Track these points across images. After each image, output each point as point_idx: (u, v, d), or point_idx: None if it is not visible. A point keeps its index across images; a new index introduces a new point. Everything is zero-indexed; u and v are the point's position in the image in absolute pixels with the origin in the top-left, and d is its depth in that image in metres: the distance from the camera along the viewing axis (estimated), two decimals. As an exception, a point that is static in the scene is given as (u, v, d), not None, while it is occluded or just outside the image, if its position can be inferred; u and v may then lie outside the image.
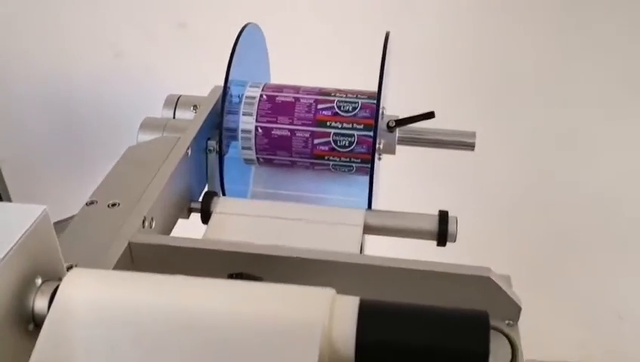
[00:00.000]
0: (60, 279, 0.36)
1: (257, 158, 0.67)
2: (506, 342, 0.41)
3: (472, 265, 0.46)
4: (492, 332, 0.33)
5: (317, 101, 0.65)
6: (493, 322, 0.33)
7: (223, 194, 0.67)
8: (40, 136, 1.22)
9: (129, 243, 0.48)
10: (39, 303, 0.35)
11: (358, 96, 0.66)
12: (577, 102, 1.12)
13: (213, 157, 0.66)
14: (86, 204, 0.52)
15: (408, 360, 0.33)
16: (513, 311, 0.47)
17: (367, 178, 0.65)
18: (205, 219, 0.61)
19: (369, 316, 0.33)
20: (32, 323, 0.36)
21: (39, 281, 0.36)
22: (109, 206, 0.52)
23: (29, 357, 0.33)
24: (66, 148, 1.22)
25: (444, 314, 0.33)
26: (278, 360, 0.32)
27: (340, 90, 0.66)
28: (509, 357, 0.34)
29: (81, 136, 1.21)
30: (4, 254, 0.33)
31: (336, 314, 0.33)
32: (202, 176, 0.66)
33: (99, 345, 0.33)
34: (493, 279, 0.45)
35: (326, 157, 0.66)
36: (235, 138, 0.67)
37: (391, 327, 0.33)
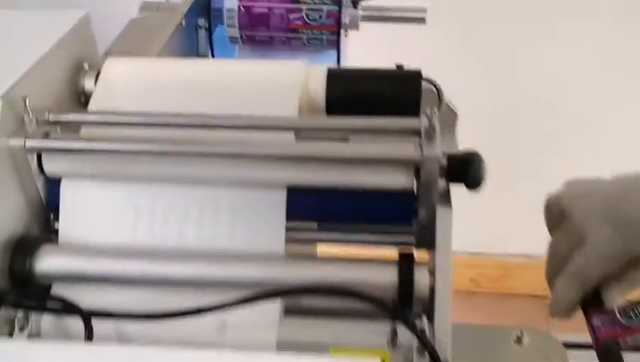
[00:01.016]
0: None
1: (241, 35, 0.79)
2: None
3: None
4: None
5: (290, -18, 0.77)
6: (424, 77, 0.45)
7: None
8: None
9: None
10: (88, 82, 0.47)
11: (326, -23, 0.77)
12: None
13: (202, 35, 0.77)
14: (104, 53, 0.63)
15: (364, 105, 0.45)
16: (450, 118, 0.59)
17: (335, 52, 0.77)
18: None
19: (335, 75, 0.46)
20: (83, 97, 0.47)
21: (86, 66, 0.47)
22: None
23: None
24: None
25: (390, 73, 0.46)
26: (273, 101, 0.44)
27: (310, -26, 0.78)
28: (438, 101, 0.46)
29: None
30: (59, 38, 0.45)
31: (311, 75, 0.46)
32: (194, 51, 0.77)
33: (135, 101, 0.45)
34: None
35: (300, 31, 0.77)
36: (220, 19, 0.78)
37: (350, 82, 0.46)
